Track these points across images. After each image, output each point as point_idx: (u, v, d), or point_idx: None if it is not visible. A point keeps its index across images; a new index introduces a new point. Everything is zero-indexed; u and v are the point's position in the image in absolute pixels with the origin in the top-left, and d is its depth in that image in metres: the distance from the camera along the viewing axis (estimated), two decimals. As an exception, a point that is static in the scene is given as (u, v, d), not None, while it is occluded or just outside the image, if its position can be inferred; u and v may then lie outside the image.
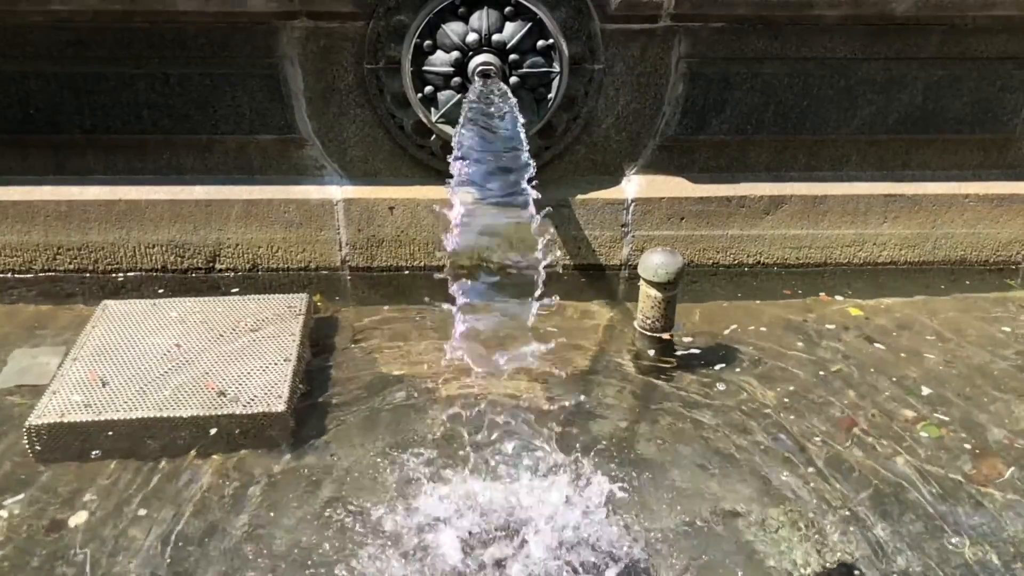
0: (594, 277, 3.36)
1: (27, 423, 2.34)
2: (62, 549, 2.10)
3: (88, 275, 3.28)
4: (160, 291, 3.20)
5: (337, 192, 3.21)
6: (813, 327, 3.09)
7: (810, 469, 2.41)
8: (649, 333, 2.97)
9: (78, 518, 2.19)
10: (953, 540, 2.19)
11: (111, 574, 2.04)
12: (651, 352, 2.92)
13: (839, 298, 3.28)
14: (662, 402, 2.68)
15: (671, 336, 2.97)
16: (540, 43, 2.89)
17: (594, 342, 2.98)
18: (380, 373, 2.78)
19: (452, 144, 2.61)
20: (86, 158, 3.15)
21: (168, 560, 2.08)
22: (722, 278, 3.41)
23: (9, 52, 2.92)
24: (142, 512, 2.21)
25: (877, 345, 2.99)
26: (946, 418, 2.63)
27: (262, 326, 2.78)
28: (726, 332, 3.04)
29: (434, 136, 3.08)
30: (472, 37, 2.84)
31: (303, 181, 3.22)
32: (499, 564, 2.06)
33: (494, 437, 2.42)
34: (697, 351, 2.93)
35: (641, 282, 2.92)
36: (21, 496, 2.25)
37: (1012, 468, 2.44)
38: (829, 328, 3.08)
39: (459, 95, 2.90)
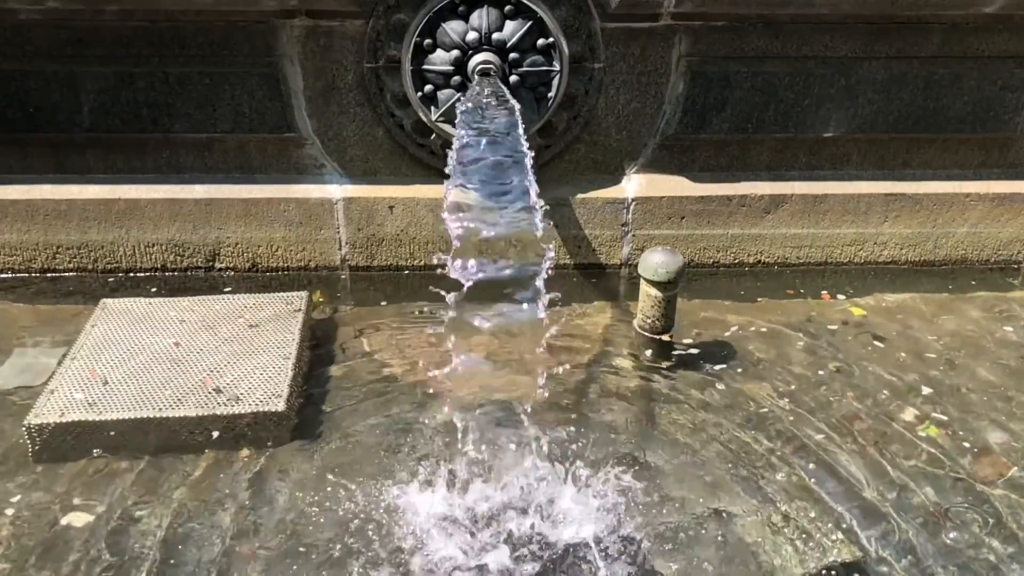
0: (594, 276, 3.35)
1: (26, 422, 2.33)
2: (62, 548, 2.10)
3: (87, 274, 3.27)
4: (159, 290, 3.20)
5: (337, 191, 3.20)
6: (814, 327, 3.08)
7: (810, 469, 2.40)
8: (649, 333, 2.96)
9: (78, 518, 2.19)
10: (953, 540, 2.19)
11: (111, 574, 2.04)
12: (651, 352, 2.92)
13: (840, 297, 3.28)
14: (661, 402, 2.67)
15: (671, 336, 2.96)
16: (540, 42, 2.88)
17: (594, 342, 2.97)
18: (379, 372, 2.77)
19: (452, 143, 2.60)
20: (85, 157, 3.14)
21: (168, 560, 2.07)
22: (723, 277, 3.41)
23: (8, 51, 2.91)
24: (142, 512, 2.21)
25: (878, 344, 2.99)
26: (947, 418, 2.63)
27: (262, 325, 2.78)
28: (726, 332, 3.03)
29: (434, 135, 3.07)
30: (472, 36, 2.83)
31: (303, 180, 3.21)
32: (496, 563, 2.06)
33: (493, 436, 2.42)
34: (697, 351, 2.92)
35: (641, 281, 2.91)
36: (20, 495, 2.25)
37: (1013, 468, 2.43)
38: (830, 328, 3.08)
39: (459, 94, 2.89)
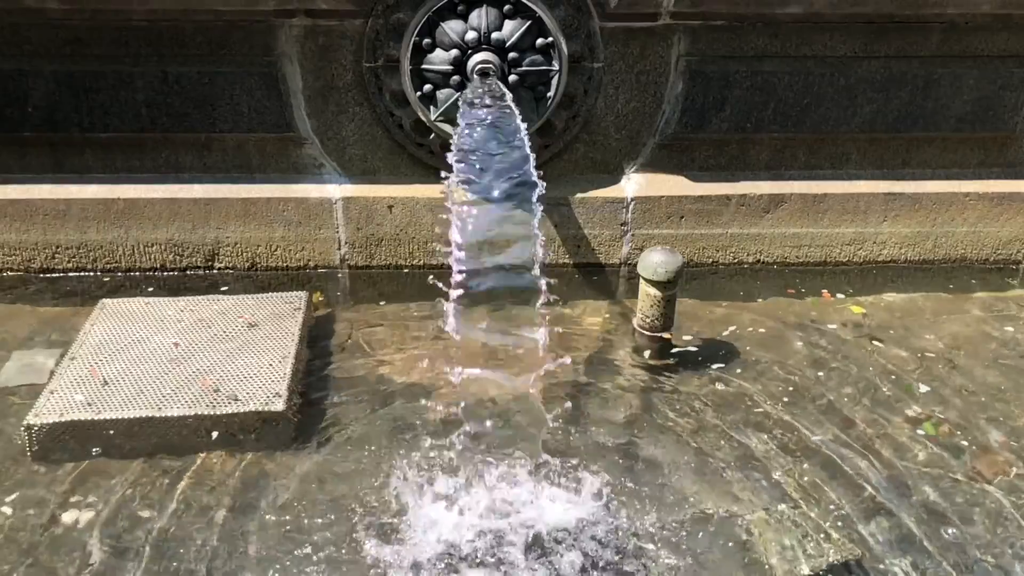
0: (593, 276, 3.35)
1: (25, 421, 2.33)
2: (61, 548, 2.10)
3: (86, 274, 3.27)
4: (158, 290, 3.19)
5: (336, 191, 3.20)
6: (813, 326, 3.08)
7: (809, 468, 2.40)
8: (648, 332, 2.96)
9: (76, 516, 2.19)
10: (952, 539, 2.19)
11: (110, 574, 2.04)
12: (650, 351, 2.91)
13: (840, 296, 3.28)
14: (661, 401, 2.67)
15: (670, 335, 2.96)
16: (539, 41, 2.88)
17: (593, 341, 2.97)
18: (379, 371, 2.77)
19: (451, 142, 2.60)
20: (84, 156, 3.14)
21: (165, 559, 2.07)
22: (722, 277, 3.41)
23: (7, 50, 2.91)
24: (141, 512, 2.21)
25: (877, 343, 2.99)
26: (946, 417, 2.63)
27: (261, 324, 2.78)
28: (725, 331, 3.03)
29: (433, 134, 3.07)
30: (471, 35, 2.83)
31: (302, 180, 3.21)
32: (495, 563, 2.06)
33: (492, 435, 2.42)
34: (696, 350, 2.92)
35: (640, 281, 2.91)
36: (19, 495, 2.25)
37: (1012, 467, 2.43)
38: (829, 327, 3.07)
39: (458, 93, 2.89)
